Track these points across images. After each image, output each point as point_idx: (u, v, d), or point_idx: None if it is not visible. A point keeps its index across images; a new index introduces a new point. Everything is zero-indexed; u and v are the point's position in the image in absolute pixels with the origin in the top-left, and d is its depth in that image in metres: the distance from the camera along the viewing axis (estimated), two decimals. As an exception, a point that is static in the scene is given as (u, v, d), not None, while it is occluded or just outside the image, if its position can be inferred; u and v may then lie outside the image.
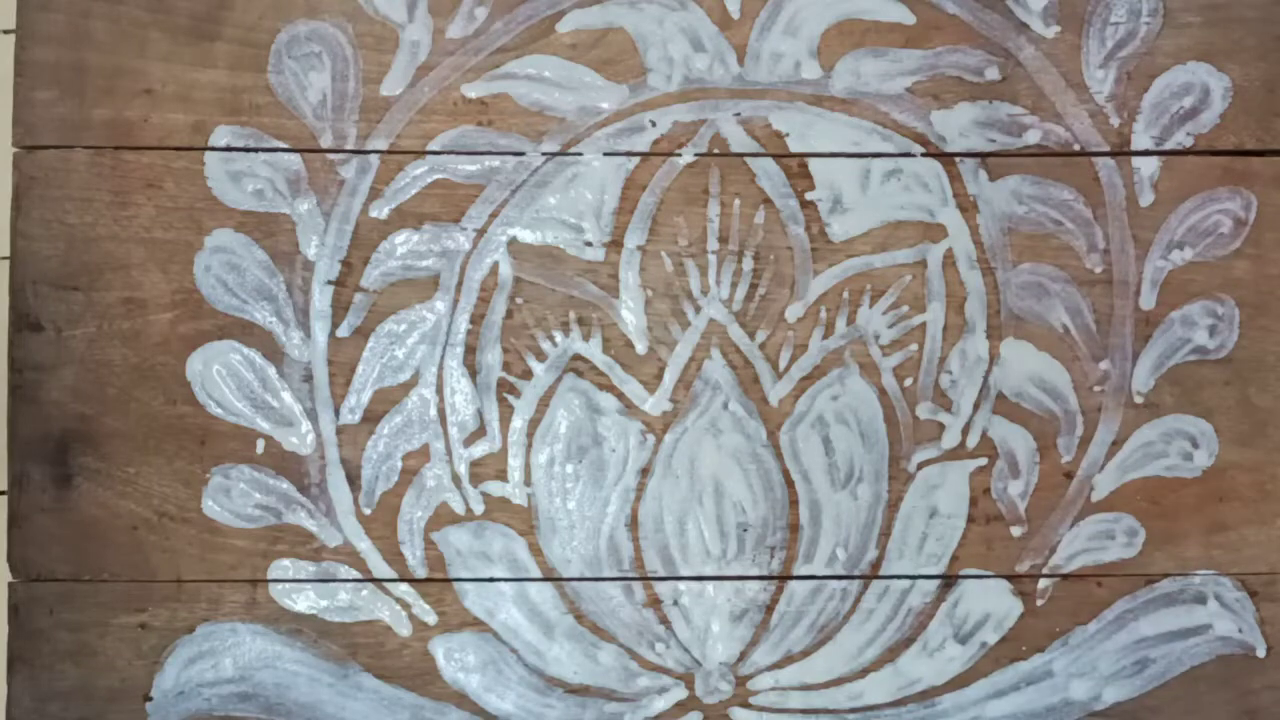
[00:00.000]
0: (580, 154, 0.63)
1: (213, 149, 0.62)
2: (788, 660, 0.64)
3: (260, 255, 0.63)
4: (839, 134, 0.64)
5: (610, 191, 0.63)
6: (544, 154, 0.63)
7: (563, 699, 0.62)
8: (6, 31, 0.63)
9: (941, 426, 0.64)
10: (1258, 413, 0.64)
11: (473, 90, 0.63)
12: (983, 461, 0.64)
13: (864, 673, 0.64)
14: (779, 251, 0.64)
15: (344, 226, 0.63)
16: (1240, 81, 0.64)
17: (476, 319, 0.63)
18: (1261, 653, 0.64)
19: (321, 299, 0.63)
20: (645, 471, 0.63)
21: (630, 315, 0.63)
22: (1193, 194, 0.64)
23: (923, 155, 0.64)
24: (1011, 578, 0.64)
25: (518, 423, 0.63)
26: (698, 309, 0.63)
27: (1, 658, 0.62)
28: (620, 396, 0.63)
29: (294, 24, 0.63)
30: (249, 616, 0.62)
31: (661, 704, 0.63)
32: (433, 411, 0.63)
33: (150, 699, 0.62)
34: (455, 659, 0.63)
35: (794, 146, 0.64)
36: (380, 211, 0.63)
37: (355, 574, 0.63)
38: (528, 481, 0.63)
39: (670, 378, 0.63)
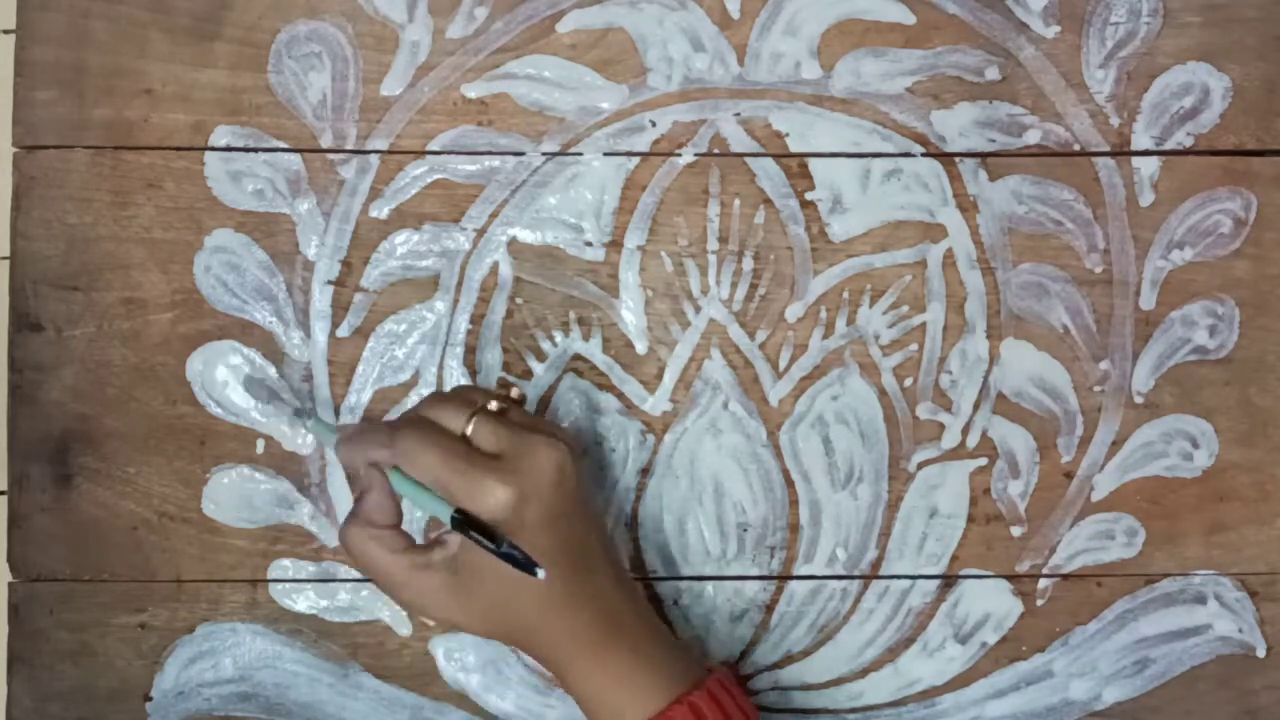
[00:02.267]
0: (580, 154, 0.63)
1: (213, 149, 0.62)
2: (788, 660, 0.64)
3: (260, 255, 0.62)
4: (839, 134, 0.64)
5: (610, 191, 0.63)
6: (544, 154, 0.63)
7: (563, 699, 0.62)
8: (6, 31, 0.63)
9: (941, 426, 0.64)
10: (1258, 413, 0.64)
11: (473, 90, 0.63)
12: (983, 461, 0.64)
13: (864, 673, 0.64)
14: (779, 251, 0.64)
15: (344, 226, 0.63)
16: (1240, 81, 0.64)
17: (476, 319, 0.63)
18: (1261, 653, 0.64)
19: (321, 299, 0.63)
20: (645, 471, 0.63)
21: (630, 315, 0.63)
22: (1193, 194, 0.64)
23: (923, 155, 0.64)
24: (1011, 578, 0.64)
25: (518, 423, 0.63)
26: (698, 309, 0.63)
27: (1, 658, 0.62)
28: (620, 396, 0.63)
29: (294, 24, 0.63)
30: (249, 616, 0.62)
31: (661, 704, 0.63)
32: (433, 411, 0.63)
33: (150, 699, 0.62)
34: (455, 659, 0.63)
35: (794, 146, 0.64)
36: (380, 211, 0.63)
37: (355, 574, 0.63)
38: (528, 481, 0.63)
39: (670, 378, 0.63)
